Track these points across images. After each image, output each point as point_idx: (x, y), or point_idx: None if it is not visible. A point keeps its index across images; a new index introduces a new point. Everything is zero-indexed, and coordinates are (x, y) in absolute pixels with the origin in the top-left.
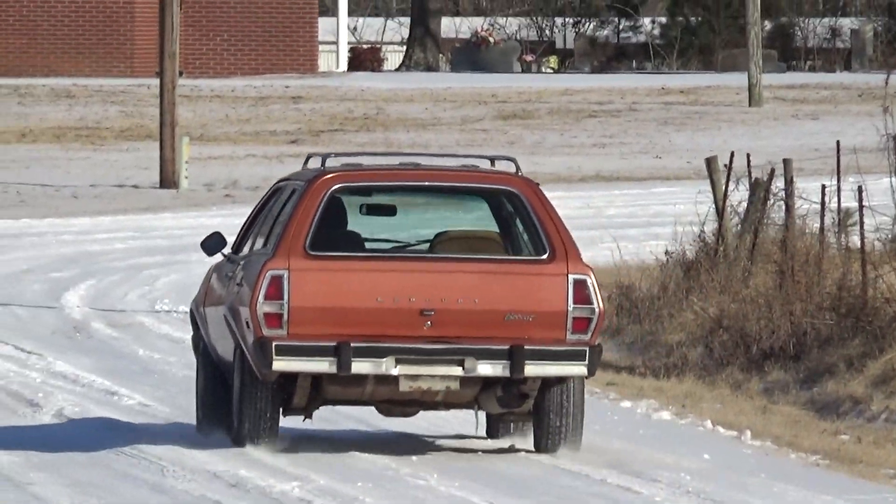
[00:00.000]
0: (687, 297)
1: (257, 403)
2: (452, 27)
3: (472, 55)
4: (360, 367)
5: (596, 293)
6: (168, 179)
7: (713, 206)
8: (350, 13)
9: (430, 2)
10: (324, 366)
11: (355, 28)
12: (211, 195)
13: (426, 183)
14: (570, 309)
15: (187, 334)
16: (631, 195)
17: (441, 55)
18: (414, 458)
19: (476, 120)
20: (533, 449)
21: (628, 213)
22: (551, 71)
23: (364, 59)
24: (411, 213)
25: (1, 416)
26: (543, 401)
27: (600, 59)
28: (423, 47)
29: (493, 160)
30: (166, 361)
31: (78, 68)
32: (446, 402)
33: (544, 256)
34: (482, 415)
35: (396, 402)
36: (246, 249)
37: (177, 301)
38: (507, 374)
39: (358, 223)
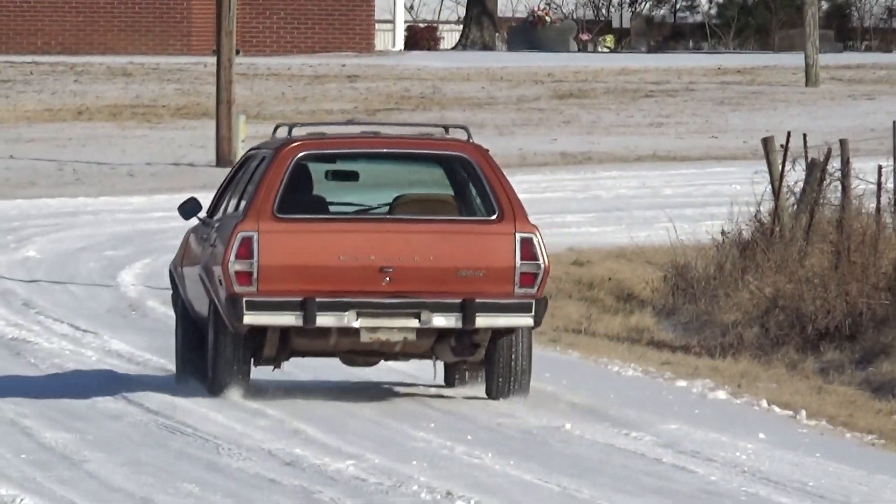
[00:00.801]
0: (743, 277)
1: (230, 354)
2: (509, 6)
3: (528, 34)
4: (323, 320)
5: (541, 250)
6: (224, 157)
7: (769, 186)
8: None
9: None
10: (290, 319)
11: (412, 7)
12: None
13: (384, 150)
14: (518, 265)
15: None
16: (687, 175)
17: (497, 34)
18: (469, 436)
19: (532, 99)
20: (485, 395)
21: (684, 193)
22: (607, 50)
23: (420, 38)
24: (378, 178)
25: (54, 395)
26: (494, 350)
27: (657, 38)
28: (480, 26)
29: (447, 128)
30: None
31: (135, 46)
32: (405, 353)
33: (493, 217)
34: (440, 366)
35: (358, 352)
36: (220, 213)
37: None
38: (459, 325)
39: (337, 188)
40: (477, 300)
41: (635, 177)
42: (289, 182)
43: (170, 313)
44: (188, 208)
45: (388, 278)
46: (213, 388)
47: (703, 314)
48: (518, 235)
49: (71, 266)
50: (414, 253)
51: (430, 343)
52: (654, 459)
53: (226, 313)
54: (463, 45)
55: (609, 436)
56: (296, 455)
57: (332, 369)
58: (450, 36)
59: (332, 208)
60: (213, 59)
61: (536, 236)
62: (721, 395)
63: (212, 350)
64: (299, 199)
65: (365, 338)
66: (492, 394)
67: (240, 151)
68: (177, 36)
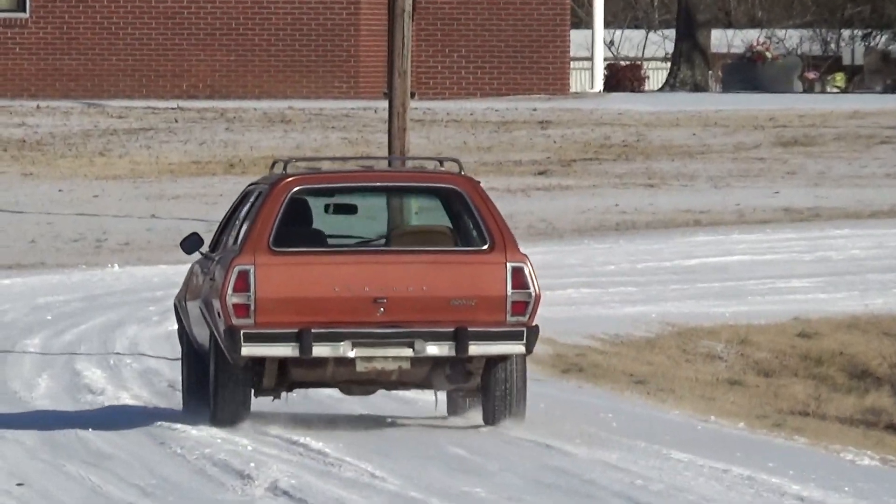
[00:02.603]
0: None
1: (230, 386)
2: (724, 41)
3: (746, 72)
4: (319, 350)
5: (532, 279)
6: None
7: None
8: (606, 25)
9: (699, 12)
10: (287, 350)
11: (612, 42)
12: None
13: (377, 184)
14: (510, 294)
15: (424, 395)
16: None
17: (710, 73)
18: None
19: (751, 147)
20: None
21: None
22: (837, 90)
23: (622, 77)
24: (380, 212)
25: (205, 491)
26: (489, 378)
27: (894, 76)
28: (691, 64)
29: (441, 161)
30: (397, 424)
31: (294, 89)
32: (401, 381)
33: (485, 247)
34: (442, 395)
35: (355, 382)
36: (221, 248)
37: None
38: (453, 353)
39: (337, 222)
40: (470, 329)
41: (870, 235)
42: (284, 216)
43: (335, 394)
44: (190, 243)
45: (382, 309)
46: (214, 419)
47: None
48: (509, 265)
49: None
50: (407, 283)
51: (425, 372)
52: None
53: (225, 345)
54: (671, 85)
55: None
56: None
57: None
58: (656, 75)
59: (331, 241)
60: (385, 104)
61: (527, 265)
62: None
63: (213, 381)
64: (296, 232)
65: (360, 367)
66: (488, 420)
67: (414, 208)
68: (342, 77)
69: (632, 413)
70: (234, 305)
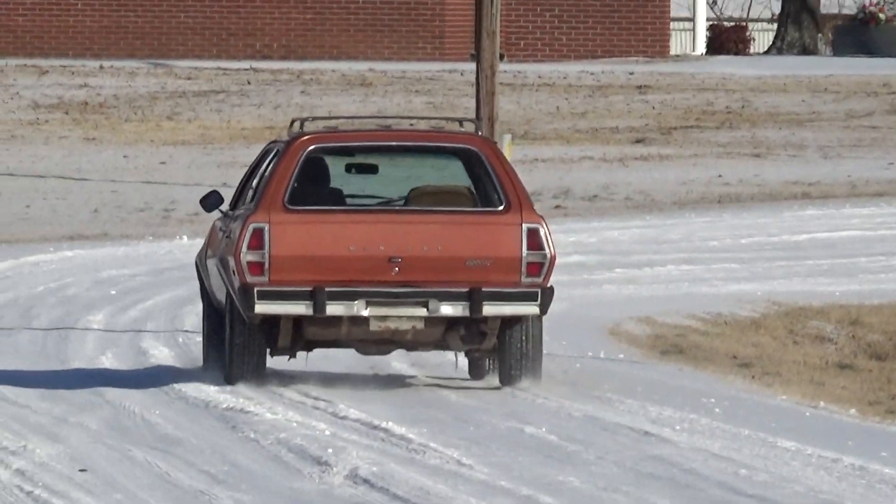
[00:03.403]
0: None
1: (245, 344)
2: (834, 1)
3: (858, 35)
4: (333, 309)
5: (547, 240)
6: None
7: None
8: None
9: None
10: (301, 308)
11: (715, 2)
12: (538, 206)
13: (394, 143)
14: (524, 255)
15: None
16: None
17: (820, 35)
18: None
19: (863, 115)
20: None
21: None
22: None
23: (726, 39)
24: (404, 170)
25: (280, 479)
26: (505, 339)
27: None
28: (799, 25)
29: (460, 122)
30: (485, 409)
31: (375, 50)
32: (416, 341)
33: (500, 208)
34: (462, 356)
35: (370, 341)
36: (241, 206)
37: None
38: (466, 313)
39: (359, 182)
40: (484, 289)
41: None
42: (300, 174)
43: (418, 373)
44: (210, 201)
45: (396, 268)
46: (229, 377)
47: None
48: (524, 226)
49: None
50: (422, 243)
51: (439, 332)
52: None
53: (239, 303)
54: (778, 48)
55: None
56: None
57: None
58: (762, 37)
59: (349, 201)
60: (472, 66)
61: (543, 227)
62: None
63: (228, 339)
64: (312, 191)
65: (374, 326)
66: (504, 381)
67: None
68: (427, 37)
69: (735, 398)
70: (249, 263)
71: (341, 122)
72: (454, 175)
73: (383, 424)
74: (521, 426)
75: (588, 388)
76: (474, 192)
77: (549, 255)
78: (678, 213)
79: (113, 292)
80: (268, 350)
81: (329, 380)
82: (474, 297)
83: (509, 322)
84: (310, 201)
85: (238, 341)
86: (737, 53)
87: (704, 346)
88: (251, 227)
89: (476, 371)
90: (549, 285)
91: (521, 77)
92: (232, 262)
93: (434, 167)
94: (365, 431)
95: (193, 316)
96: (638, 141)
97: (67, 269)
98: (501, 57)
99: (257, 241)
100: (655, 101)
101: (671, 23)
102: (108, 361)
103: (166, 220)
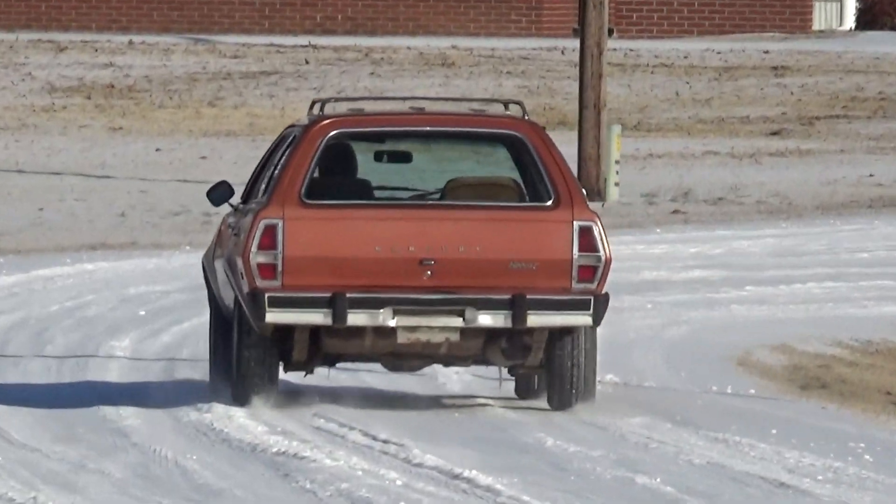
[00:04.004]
0: None
1: (254, 357)
2: None
3: None
4: (356, 318)
5: (602, 240)
6: (590, 186)
7: None
8: None
9: None
10: (318, 317)
11: None
12: (652, 211)
13: (427, 128)
14: (576, 257)
15: (613, 418)
16: None
17: None
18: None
19: None
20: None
21: None
22: None
23: (880, 11)
24: (440, 160)
25: None
26: (553, 354)
27: None
28: None
29: (506, 104)
30: (588, 456)
31: (459, 24)
32: (450, 355)
33: (549, 203)
34: (506, 374)
35: (398, 355)
36: (252, 199)
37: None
38: (509, 324)
39: (387, 171)
40: (529, 296)
41: None
42: (320, 164)
43: (510, 416)
44: (218, 194)
45: (429, 272)
46: (237, 396)
47: None
48: (576, 224)
49: None
50: (459, 243)
51: (478, 345)
52: None
53: (248, 310)
54: None
55: None
56: None
57: None
58: None
59: (377, 194)
60: (575, 43)
61: (597, 225)
62: None
63: (236, 352)
64: (334, 182)
65: (402, 338)
66: (553, 403)
67: (612, 178)
68: (521, 9)
69: (889, 443)
70: (259, 265)
71: (369, 104)
72: (498, 165)
73: (465, 473)
74: (632, 475)
75: (712, 430)
76: (521, 184)
77: (603, 258)
78: (821, 220)
79: (142, 313)
80: (281, 365)
81: (400, 421)
82: (518, 305)
83: (558, 334)
84: (330, 194)
85: (247, 354)
86: (893, 28)
87: (852, 379)
88: (262, 223)
89: (524, 390)
90: (603, 292)
91: (634, 56)
92: (240, 264)
93: (476, 156)
94: (443, 481)
95: None
96: (773, 133)
97: (87, 285)
98: (611, 32)
99: (269, 240)
100: (794, 85)
101: None
102: (134, 396)
103: (206, 226)
